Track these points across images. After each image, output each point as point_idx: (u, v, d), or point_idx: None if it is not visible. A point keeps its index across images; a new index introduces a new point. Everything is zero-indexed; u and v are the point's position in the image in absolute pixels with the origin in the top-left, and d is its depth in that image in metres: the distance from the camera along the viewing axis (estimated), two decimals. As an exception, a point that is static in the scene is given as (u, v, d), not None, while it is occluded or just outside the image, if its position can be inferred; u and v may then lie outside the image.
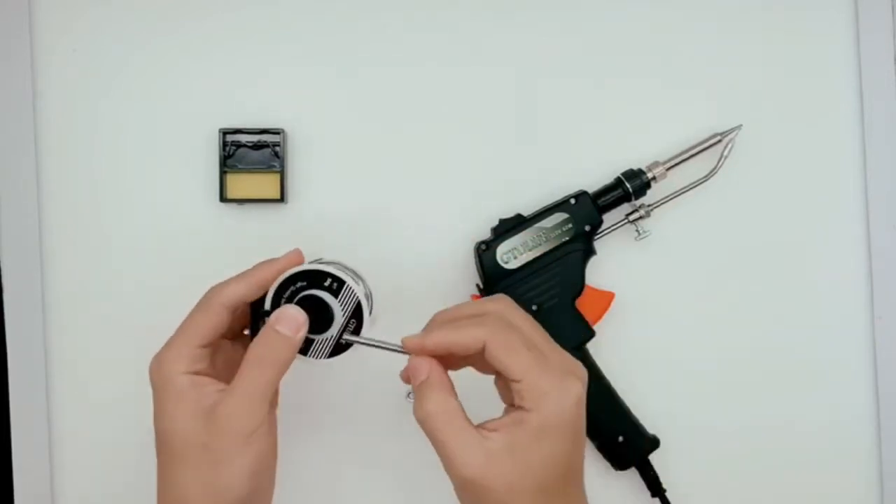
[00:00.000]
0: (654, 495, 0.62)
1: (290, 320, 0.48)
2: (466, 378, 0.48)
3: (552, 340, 0.48)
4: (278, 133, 0.62)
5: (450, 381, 0.48)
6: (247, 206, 0.63)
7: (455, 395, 0.47)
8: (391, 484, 0.63)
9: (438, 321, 0.49)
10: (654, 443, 0.62)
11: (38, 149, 0.62)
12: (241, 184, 0.62)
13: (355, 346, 0.50)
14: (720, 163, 0.62)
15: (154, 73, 0.63)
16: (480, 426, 0.46)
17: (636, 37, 0.64)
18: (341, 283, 0.49)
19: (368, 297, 0.52)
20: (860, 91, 0.64)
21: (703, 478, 0.64)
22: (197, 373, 0.49)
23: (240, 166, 0.62)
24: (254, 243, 0.63)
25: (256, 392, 0.47)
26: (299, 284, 0.50)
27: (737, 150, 0.62)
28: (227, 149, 0.62)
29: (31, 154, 0.62)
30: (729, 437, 0.64)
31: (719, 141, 0.62)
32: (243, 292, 0.50)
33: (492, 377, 0.49)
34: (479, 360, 0.48)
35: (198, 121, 0.63)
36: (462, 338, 0.47)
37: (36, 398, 0.62)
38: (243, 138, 0.62)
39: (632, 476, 0.62)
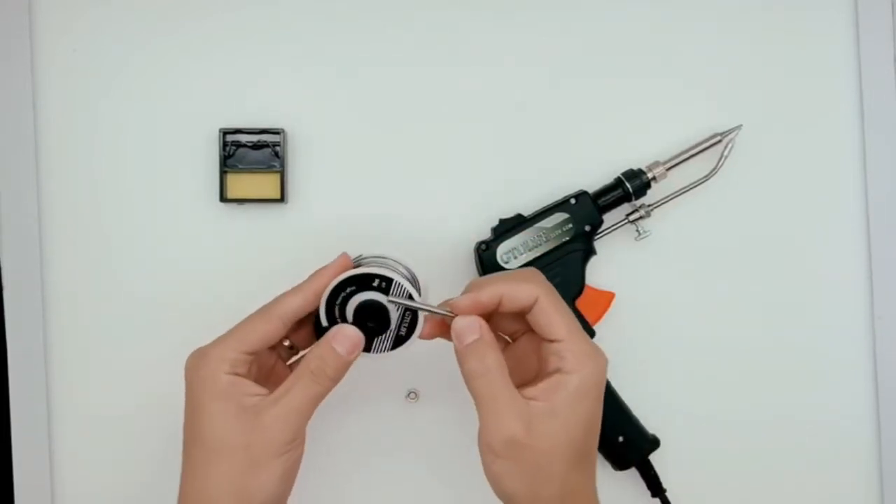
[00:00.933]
0: (654, 495, 0.62)
1: (347, 340, 0.50)
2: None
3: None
4: (278, 133, 0.62)
5: (496, 340, 0.50)
6: (247, 206, 0.63)
7: (501, 354, 0.49)
8: (393, 482, 0.64)
9: (482, 281, 0.50)
10: (654, 443, 0.62)
11: (38, 149, 0.62)
12: (241, 184, 0.62)
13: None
14: (720, 163, 0.62)
15: (154, 73, 0.63)
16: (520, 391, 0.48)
17: (636, 37, 0.64)
18: (389, 280, 0.51)
19: (414, 281, 0.54)
20: (860, 91, 0.64)
21: (703, 478, 0.64)
22: (238, 374, 0.49)
23: (240, 166, 0.62)
24: (254, 243, 0.63)
25: (304, 404, 0.49)
26: (349, 289, 0.51)
27: (737, 150, 0.62)
28: (227, 149, 0.62)
29: (31, 154, 0.62)
30: (729, 437, 0.64)
31: (719, 141, 0.62)
32: (300, 304, 0.51)
33: None
34: (514, 321, 0.51)
35: (198, 121, 0.62)
36: (517, 291, 0.49)
37: (36, 398, 0.62)
38: (243, 138, 0.62)
39: (632, 476, 0.62)
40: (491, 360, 0.48)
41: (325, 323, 0.51)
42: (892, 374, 0.64)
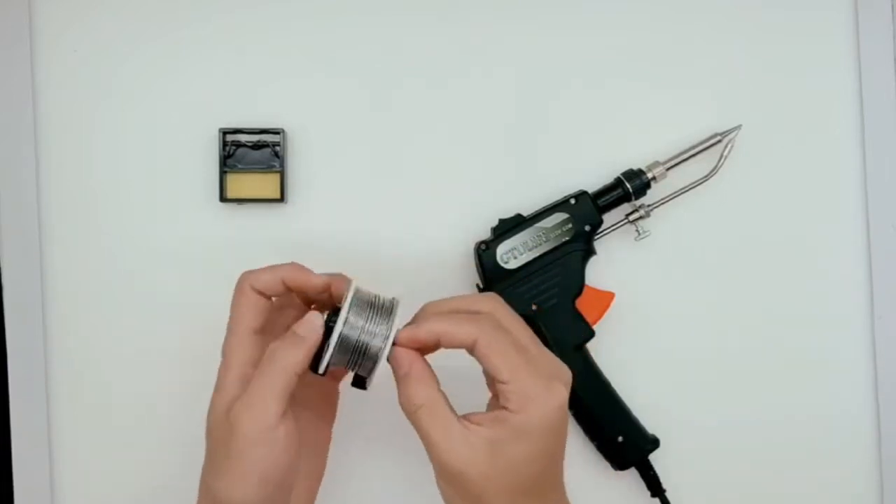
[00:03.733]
0: (653, 495, 0.62)
1: (307, 323, 0.48)
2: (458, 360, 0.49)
3: (540, 343, 0.50)
4: (278, 133, 0.62)
5: (432, 372, 0.48)
6: (247, 206, 0.63)
7: (438, 385, 0.48)
8: (396, 483, 0.64)
9: (429, 312, 0.50)
10: (654, 443, 0.62)
11: (38, 149, 0.62)
12: (241, 184, 0.62)
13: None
14: (720, 163, 0.62)
15: (154, 73, 0.63)
16: (465, 417, 0.47)
17: (636, 37, 0.64)
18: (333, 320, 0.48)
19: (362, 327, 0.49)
20: (860, 91, 0.64)
21: (703, 478, 0.64)
22: (253, 362, 0.49)
23: (240, 166, 0.62)
24: (254, 243, 0.63)
25: (266, 388, 0.47)
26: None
27: (737, 150, 0.62)
28: (227, 149, 0.62)
29: (31, 154, 0.62)
30: (729, 437, 0.64)
31: (719, 141, 0.62)
32: (268, 277, 0.50)
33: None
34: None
35: (198, 121, 0.63)
36: (455, 333, 0.48)
37: (36, 398, 0.62)
38: (243, 138, 0.62)
39: (632, 476, 0.62)
40: (417, 398, 0.47)
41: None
42: (892, 374, 0.64)
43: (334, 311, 0.48)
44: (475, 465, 0.46)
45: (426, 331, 0.48)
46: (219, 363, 0.51)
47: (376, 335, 0.48)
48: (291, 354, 0.47)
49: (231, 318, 0.51)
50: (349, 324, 0.48)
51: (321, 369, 0.48)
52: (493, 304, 0.50)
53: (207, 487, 0.48)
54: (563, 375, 0.49)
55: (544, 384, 0.47)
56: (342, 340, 0.48)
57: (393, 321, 0.49)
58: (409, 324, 0.49)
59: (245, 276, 0.51)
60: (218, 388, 0.50)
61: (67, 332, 0.63)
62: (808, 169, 0.64)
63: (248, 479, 0.46)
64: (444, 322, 0.48)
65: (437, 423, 0.47)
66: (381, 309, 0.49)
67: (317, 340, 0.48)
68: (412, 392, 0.47)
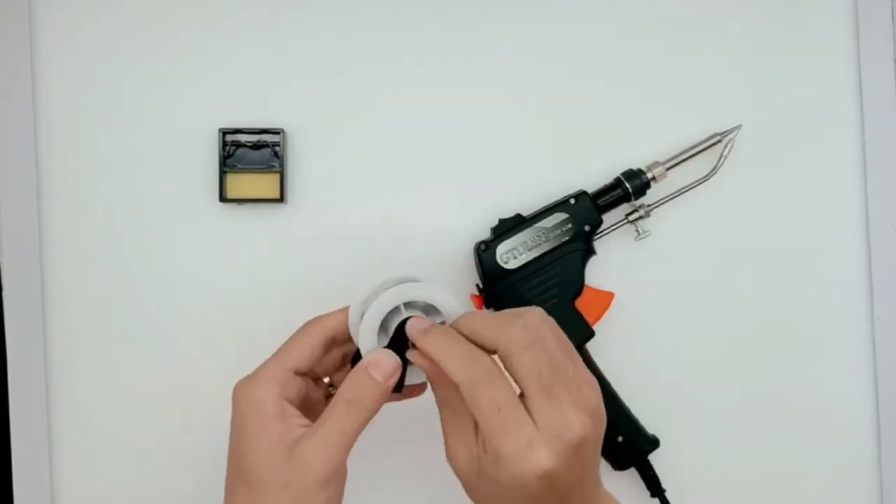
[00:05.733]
0: (653, 495, 0.62)
1: (383, 366, 0.47)
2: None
3: (568, 376, 0.45)
4: (278, 133, 0.62)
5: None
6: (247, 206, 0.63)
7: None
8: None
9: (463, 323, 0.47)
10: (654, 443, 0.62)
11: (38, 149, 0.62)
12: (240, 184, 0.62)
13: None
14: (720, 163, 0.62)
15: (154, 73, 0.63)
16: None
17: (636, 37, 0.64)
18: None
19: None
20: (860, 91, 0.64)
21: (703, 478, 0.64)
22: (287, 399, 0.48)
23: (240, 166, 0.62)
24: (254, 243, 0.63)
25: (342, 436, 0.46)
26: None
27: (737, 150, 0.62)
28: (227, 149, 0.62)
29: (31, 154, 0.62)
30: (729, 437, 0.64)
31: (719, 141, 0.62)
32: (339, 317, 0.50)
33: None
34: None
35: (198, 121, 0.63)
36: (447, 369, 0.45)
37: (35, 398, 0.62)
38: (243, 138, 0.62)
39: (632, 476, 0.62)
40: (441, 395, 0.47)
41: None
42: (892, 374, 0.64)
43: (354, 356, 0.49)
44: (465, 475, 0.46)
45: (434, 353, 0.46)
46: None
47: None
48: (370, 399, 0.47)
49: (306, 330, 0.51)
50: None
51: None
52: (517, 334, 0.45)
53: None
54: (567, 432, 0.43)
55: (525, 444, 0.42)
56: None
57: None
58: (437, 327, 0.48)
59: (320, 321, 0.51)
60: (252, 376, 0.49)
61: (67, 332, 0.63)
62: (807, 169, 0.64)
63: None
64: (443, 353, 0.45)
65: (452, 423, 0.46)
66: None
67: (394, 383, 0.47)
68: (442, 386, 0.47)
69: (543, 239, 0.60)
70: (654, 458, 0.62)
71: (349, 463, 0.47)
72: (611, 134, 0.63)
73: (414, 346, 0.48)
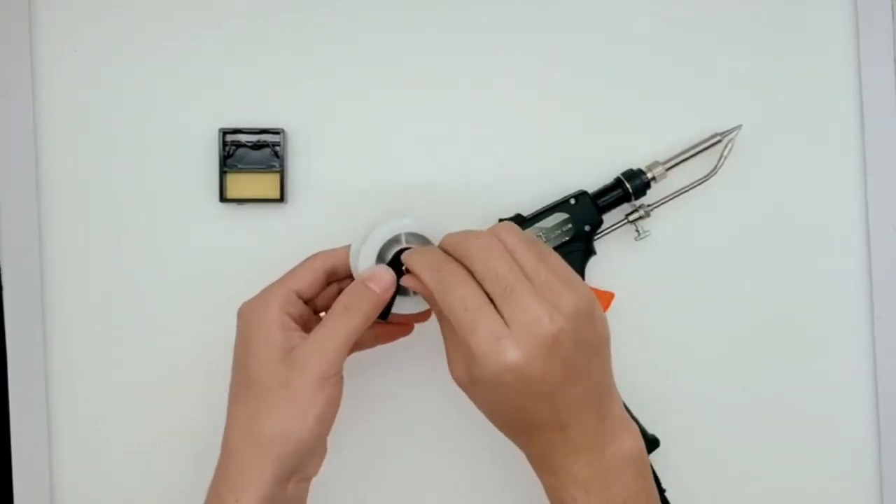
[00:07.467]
0: (653, 495, 0.62)
1: (379, 279, 0.51)
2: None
3: (539, 278, 0.47)
4: (278, 133, 0.62)
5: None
6: (247, 206, 0.63)
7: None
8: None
9: (443, 241, 0.51)
10: (654, 443, 0.62)
11: (38, 149, 0.62)
12: (240, 184, 0.62)
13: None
14: (720, 163, 0.62)
15: (154, 73, 0.63)
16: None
17: (636, 37, 0.64)
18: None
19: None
20: (860, 91, 0.64)
21: (703, 478, 0.64)
22: (289, 314, 0.51)
23: (240, 166, 0.62)
24: (254, 243, 0.63)
25: (338, 338, 0.50)
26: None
27: (737, 150, 0.62)
28: (227, 149, 0.62)
29: (31, 154, 0.62)
30: (729, 437, 0.64)
31: (719, 141, 0.62)
32: (344, 254, 0.54)
33: None
34: None
35: (198, 121, 0.63)
36: (422, 279, 0.49)
37: (35, 398, 0.62)
38: (243, 138, 0.62)
39: (632, 476, 0.62)
40: (438, 312, 0.50)
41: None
42: (892, 374, 0.64)
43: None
44: (464, 384, 0.48)
45: (415, 268, 0.50)
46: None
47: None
48: (366, 305, 0.51)
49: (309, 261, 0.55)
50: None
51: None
52: (484, 240, 0.49)
53: (249, 425, 0.49)
54: (536, 326, 0.45)
55: (493, 339, 0.45)
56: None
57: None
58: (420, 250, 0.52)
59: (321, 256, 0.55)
60: (257, 298, 0.53)
61: (67, 332, 0.63)
62: (807, 169, 0.64)
63: (307, 417, 0.49)
64: (426, 272, 0.49)
65: (450, 335, 0.49)
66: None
67: (389, 296, 0.52)
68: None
69: (543, 239, 0.60)
70: (654, 458, 0.62)
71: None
72: (611, 134, 0.63)
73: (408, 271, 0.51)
